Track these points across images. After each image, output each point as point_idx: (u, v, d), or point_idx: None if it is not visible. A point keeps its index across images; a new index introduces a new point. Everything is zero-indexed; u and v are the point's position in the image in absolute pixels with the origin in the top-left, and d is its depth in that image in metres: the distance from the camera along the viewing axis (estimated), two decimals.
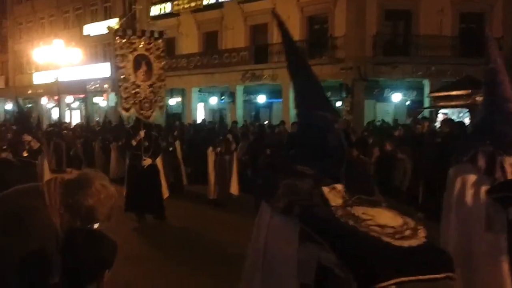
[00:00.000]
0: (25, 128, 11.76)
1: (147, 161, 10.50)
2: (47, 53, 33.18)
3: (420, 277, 2.46)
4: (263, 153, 14.44)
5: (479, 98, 18.67)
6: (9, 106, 45.41)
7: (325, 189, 2.91)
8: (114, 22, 34.12)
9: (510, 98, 4.59)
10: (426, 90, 24.36)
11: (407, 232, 2.53)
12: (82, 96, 41.53)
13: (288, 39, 3.40)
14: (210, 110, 34.28)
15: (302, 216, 2.77)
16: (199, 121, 27.39)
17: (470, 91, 19.49)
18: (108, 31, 13.15)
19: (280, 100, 28.33)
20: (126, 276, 5.86)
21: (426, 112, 22.48)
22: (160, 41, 10.71)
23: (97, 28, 38.24)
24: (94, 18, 39.69)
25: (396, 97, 26.14)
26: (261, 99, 30.87)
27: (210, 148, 12.60)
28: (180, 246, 8.88)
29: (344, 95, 24.81)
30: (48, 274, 2.61)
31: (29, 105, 47.56)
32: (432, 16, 24.28)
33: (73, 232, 2.65)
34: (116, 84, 10.85)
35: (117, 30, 10.99)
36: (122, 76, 10.24)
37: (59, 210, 2.71)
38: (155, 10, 33.27)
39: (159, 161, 11.14)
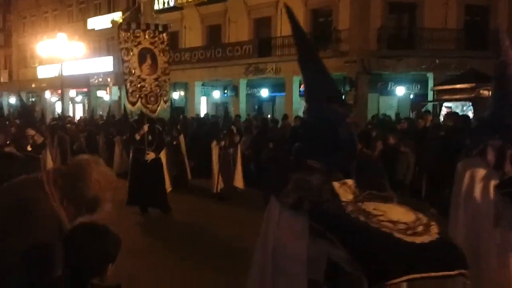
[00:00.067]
0: (28, 122, 11.73)
1: (151, 155, 10.50)
2: (50, 47, 33.20)
3: (433, 274, 2.42)
4: (266, 147, 14.43)
5: (483, 92, 18.70)
6: (13, 100, 45.43)
7: (336, 184, 2.87)
8: (117, 16, 34.11)
9: None
10: (430, 83, 24.28)
11: (420, 228, 2.49)
12: (85, 90, 41.57)
13: (299, 32, 3.36)
14: (213, 104, 34.24)
15: (312, 211, 2.74)
16: (202, 115, 27.35)
17: (474, 84, 19.47)
18: (112, 25, 13.11)
19: (283, 93, 28.31)
20: (129, 270, 5.84)
21: (429, 106, 22.40)
22: (164, 34, 10.67)
23: (100, 22, 38.25)
24: (98, 12, 39.67)
25: (400, 90, 26.06)
26: (264, 92, 30.83)
27: (214, 142, 12.57)
28: (184, 239, 8.88)
29: (347, 88, 24.73)
30: (50, 265, 2.60)
31: (33, 99, 47.70)
32: (436, 9, 24.15)
33: (76, 227, 2.67)
34: (122, 77, 10.83)
35: (121, 23, 10.98)
36: (127, 70, 10.21)
37: (62, 203, 2.71)
38: (158, 4, 33.17)
39: (162, 155, 11.13)
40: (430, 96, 23.83)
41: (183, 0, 31.88)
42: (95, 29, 39.00)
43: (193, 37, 32.21)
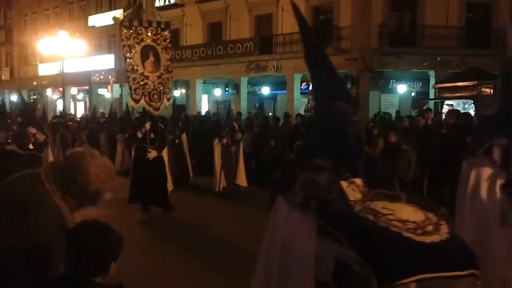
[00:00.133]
0: (29, 120, 11.70)
1: (152, 153, 10.49)
2: (52, 44, 33.24)
3: (443, 274, 2.40)
4: (267, 145, 14.43)
5: (484, 89, 18.69)
6: (14, 97, 45.47)
7: (344, 184, 2.85)
8: (118, 13, 34.06)
9: None
10: (432, 81, 24.25)
11: (429, 228, 2.46)
12: (86, 87, 41.58)
13: (305, 29, 3.34)
14: (214, 102, 34.22)
15: (320, 211, 2.71)
16: (203, 112, 27.34)
17: (475, 82, 19.45)
18: (114, 22, 13.10)
19: (285, 91, 28.28)
20: (131, 268, 5.82)
21: (431, 104, 22.38)
22: (167, 32, 10.65)
23: (101, 19, 38.26)
24: (99, 9, 39.67)
25: (401, 88, 26.04)
26: (266, 90, 30.80)
27: (216, 140, 12.55)
28: (186, 238, 8.88)
29: (349, 86, 24.67)
30: (52, 261, 2.60)
31: (34, 97, 47.71)
32: (438, 6, 24.12)
33: (79, 225, 2.67)
34: (124, 75, 10.82)
35: (122, 20, 10.94)
36: (129, 67, 10.19)
37: (63, 198, 2.74)
38: (159, 1, 33.12)
39: (164, 154, 11.10)
40: (432, 94, 23.79)
41: None
42: (96, 26, 38.99)
43: (194, 35, 32.18)
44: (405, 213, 2.56)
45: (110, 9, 37.87)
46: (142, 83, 10.20)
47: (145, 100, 10.22)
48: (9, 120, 15.84)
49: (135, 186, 10.59)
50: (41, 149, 10.95)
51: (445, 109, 20.47)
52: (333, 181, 2.80)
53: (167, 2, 32.84)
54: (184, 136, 14.57)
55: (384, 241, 2.46)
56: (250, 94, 31.24)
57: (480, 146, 4.53)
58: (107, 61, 37.60)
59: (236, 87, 30.05)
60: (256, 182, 12.60)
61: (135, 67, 10.18)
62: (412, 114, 20.85)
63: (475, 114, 15.82)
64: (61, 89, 37.53)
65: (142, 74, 10.24)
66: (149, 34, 10.35)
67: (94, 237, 2.57)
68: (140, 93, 10.19)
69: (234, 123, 13.62)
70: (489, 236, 4.27)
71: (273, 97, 31.59)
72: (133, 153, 10.99)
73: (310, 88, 3.50)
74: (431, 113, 14.67)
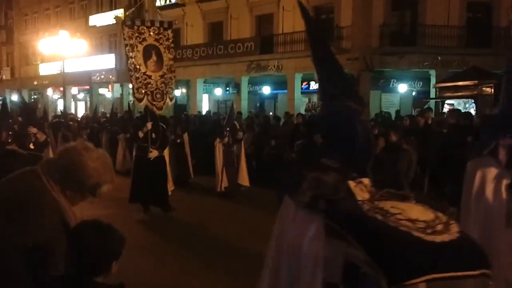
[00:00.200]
0: (30, 120, 11.69)
1: (154, 153, 10.45)
2: (52, 44, 33.19)
3: (454, 273, 2.38)
4: (268, 144, 14.41)
5: (485, 89, 18.67)
6: (15, 97, 45.46)
7: (351, 183, 2.82)
8: (119, 13, 34.03)
9: None
10: (432, 80, 24.23)
11: (439, 227, 2.43)
12: (87, 87, 41.55)
13: (312, 28, 3.32)
14: (215, 101, 34.19)
15: (328, 211, 2.69)
16: (204, 112, 27.31)
17: (476, 81, 19.42)
18: (116, 21, 13.08)
19: (285, 91, 28.25)
20: (131, 267, 5.80)
21: (432, 103, 22.34)
22: (169, 31, 10.64)
23: (102, 18, 38.23)
24: (100, 9, 39.63)
25: (402, 87, 25.99)
26: (266, 90, 30.76)
27: (218, 140, 12.52)
28: (187, 238, 8.86)
29: None
30: (53, 259, 2.58)
31: (35, 96, 47.71)
32: (439, 5, 24.09)
33: (80, 224, 2.67)
34: (126, 74, 10.80)
35: (124, 20, 10.92)
36: (132, 66, 10.16)
37: (64, 194, 2.73)
38: (160, 1, 33.08)
39: (166, 153, 11.08)
40: (432, 94, 23.75)
41: None
42: (97, 26, 38.96)
43: (195, 34, 32.15)
44: (414, 213, 2.54)
45: (111, 9, 37.83)
46: (144, 82, 10.18)
47: (148, 99, 10.20)
48: (10, 120, 15.80)
49: (136, 186, 10.56)
50: (42, 149, 10.93)
51: (446, 108, 20.44)
52: (341, 181, 2.78)
53: (168, 2, 32.77)
54: (186, 136, 14.54)
55: (393, 240, 2.44)
56: (251, 94, 31.20)
57: (485, 147, 4.51)
58: (108, 61, 37.57)
59: (237, 86, 30.03)
60: (257, 182, 12.59)
61: (138, 66, 10.16)
62: (413, 113, 20.81)
63: (476, 113, 15.80)
64: (61, 88, 37.47)
65: (144, 73, 10.21)
66: (151, 33, 10.34)
67: (95, 236, 2.57)
68: (143, 92, 10.17)
69: (235, 122, 13.60)
70: (494, 237, 4.25)
71: (273, 97, 31.55)
72: (134, 152, 10.96)
73: (317, 87, 3.46)
74: (431, 113, 14.63)
